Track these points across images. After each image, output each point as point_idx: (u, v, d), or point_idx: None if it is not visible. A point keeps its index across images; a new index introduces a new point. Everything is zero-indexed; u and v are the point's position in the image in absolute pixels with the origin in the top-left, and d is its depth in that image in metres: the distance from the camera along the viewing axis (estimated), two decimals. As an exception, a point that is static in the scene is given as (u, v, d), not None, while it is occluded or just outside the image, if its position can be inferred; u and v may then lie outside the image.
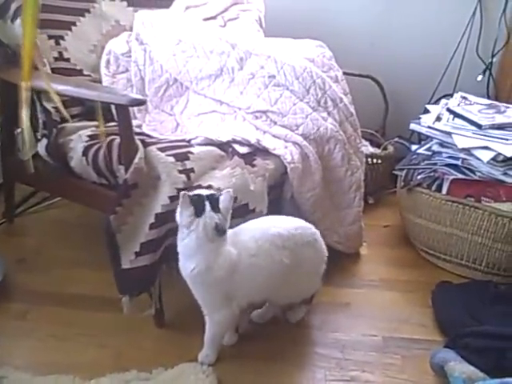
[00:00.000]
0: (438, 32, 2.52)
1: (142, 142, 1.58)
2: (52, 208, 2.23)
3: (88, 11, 2.01)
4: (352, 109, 1.94)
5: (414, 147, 2.11)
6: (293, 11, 2.48)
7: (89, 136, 1.72)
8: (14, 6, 1.80)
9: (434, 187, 1.96)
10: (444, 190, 1.92)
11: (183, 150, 1.60)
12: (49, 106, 1.79)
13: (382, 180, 2.42)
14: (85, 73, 1.94)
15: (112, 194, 1.60)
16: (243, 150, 1.70)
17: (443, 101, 2.17)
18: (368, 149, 2.45)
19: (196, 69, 1.89)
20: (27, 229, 2.15)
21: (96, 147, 1.66)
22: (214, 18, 2.12)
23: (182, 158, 1.56)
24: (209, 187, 1.53)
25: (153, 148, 1.57)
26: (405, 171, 2.05)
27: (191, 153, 1.59)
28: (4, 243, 2.00)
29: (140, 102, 1.47)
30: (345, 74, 2.12)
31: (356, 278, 1.96)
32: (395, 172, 2.13)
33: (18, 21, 1.80)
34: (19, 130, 2.01)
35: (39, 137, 1.87)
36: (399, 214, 2.20)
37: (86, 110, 1.83)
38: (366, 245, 2.11)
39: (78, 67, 1.93)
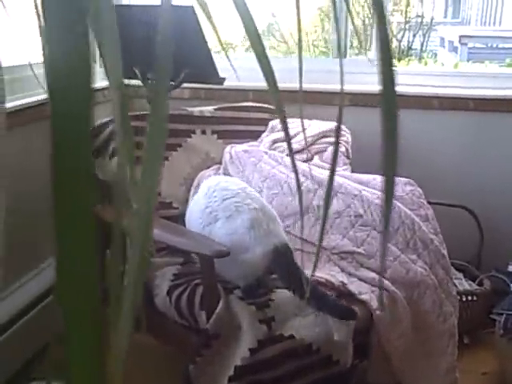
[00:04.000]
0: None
1: (224, 288, 1.57)
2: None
3: (180, 145, 2.09)
4: (444, 250, 1.83)
5: (513, 286, 1.96)
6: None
7: (174, 274, 1.73)
8: (112, 145, 1.92)
9: (539, 339, 1.78)
10: (551, 345, 1.75)
11: (263, 297, 1.56)
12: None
13: (478, 318, 2.24)
14: (174, 205, 1.98)
15: (192, 337, 1.57)
16: (327, 294, 1.64)
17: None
18: (462, 282, 2.30)
19: (282, 206, 1.88)
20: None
21: (181, 289, 1.66)
22: (300, 151, 2.13)
23: (263, 305, 1.53)
24: (290, 337, 1.49)
25: (234, 296, 1.55)
26: (504, 316, 1.89)
27: (271, 299, 1.56)
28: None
29: (224, 254, 1.46)
30: (437, 204, 2.05)
31: None
32: (492, 316, 1.96)
33: (115, 158, 1.92)
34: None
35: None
36: (499, 362, 2.00)
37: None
38: (462, 396, 1.92)
39: (167, 200, 1.97)
